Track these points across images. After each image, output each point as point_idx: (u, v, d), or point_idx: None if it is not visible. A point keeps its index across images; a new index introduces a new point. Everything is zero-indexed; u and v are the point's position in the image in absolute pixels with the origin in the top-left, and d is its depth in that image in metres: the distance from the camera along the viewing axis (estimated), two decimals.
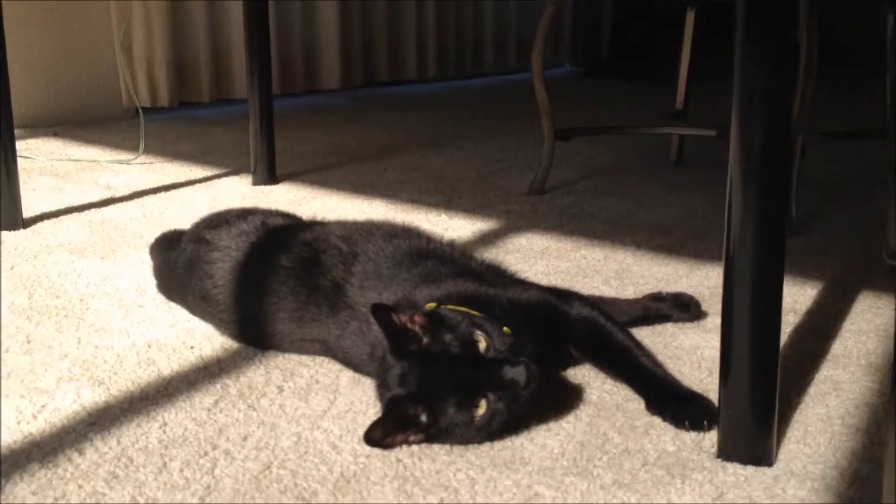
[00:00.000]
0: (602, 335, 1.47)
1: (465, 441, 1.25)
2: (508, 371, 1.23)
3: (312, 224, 1.80)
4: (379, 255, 1.54)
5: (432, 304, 1.36)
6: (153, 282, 1.89)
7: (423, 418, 1.24)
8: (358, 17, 5.34)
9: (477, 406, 1.23)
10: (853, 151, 3.42)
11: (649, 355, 1.45)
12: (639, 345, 1.47)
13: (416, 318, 1.30)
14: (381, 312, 1.27)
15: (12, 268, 1.99)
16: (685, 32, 3.24)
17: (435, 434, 1.25)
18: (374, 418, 1.33)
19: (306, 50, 5.07)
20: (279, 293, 1.53)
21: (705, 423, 1.30)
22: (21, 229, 2.30)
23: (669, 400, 1.35)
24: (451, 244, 1.70)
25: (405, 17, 5.69)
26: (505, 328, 1.31)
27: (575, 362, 1.51)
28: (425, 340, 1.28)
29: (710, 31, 3.24)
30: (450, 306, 1.35)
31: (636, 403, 1.38)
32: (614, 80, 6.36)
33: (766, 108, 1.18)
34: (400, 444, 1.24)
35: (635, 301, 1.73)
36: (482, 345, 1.27)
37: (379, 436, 1.22)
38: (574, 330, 1.48)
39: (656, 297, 1.73)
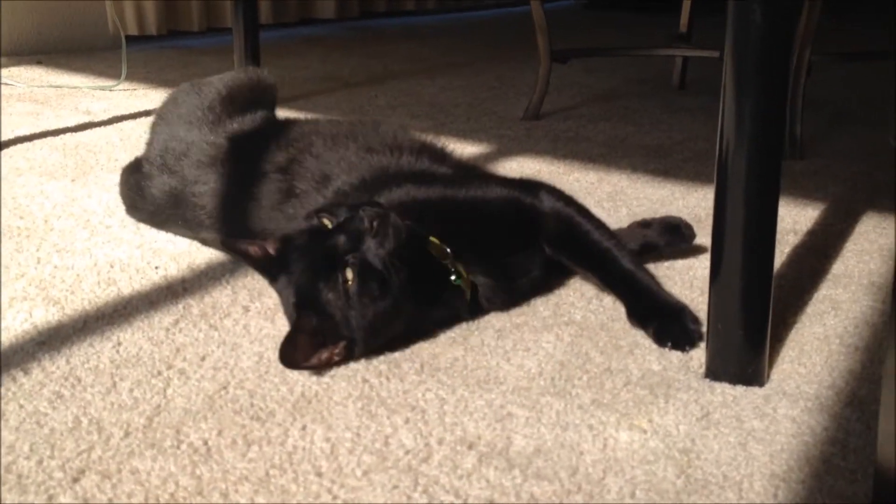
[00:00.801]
0: (578, 231, 1.35)
1: (383, 320, 1.18)
2: (355, 223, 1.17)
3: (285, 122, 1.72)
4: (338, 153, 1.45)
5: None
6: (122, 204, 1.81)
7: (315, 322, 1.16)
8: None
9: (346, 278, 1.15)
10: (860, 74, 3.30)
11: (632, 257, 1.35)
12: (621, 244, 1.36)
13: (269, 245, 1.25)
14: (227, 245, 1.29)
15: None
16: None
17: (340, 332, 1.17)
18: None
19: None
20: (239, 189, 1.48)
21: (687, 346, 1.22)
22: None
23: (653, 313, 1.26)
24: (431, 146, 1.59)
25: None
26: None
27: (557, 272, 1.42)
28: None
29: None
30: None
31: (622, 323, 1.30)
32: (618, 12, 6.19)
33: (763, 18, 1.07)
34: (327, 362, 1.16)
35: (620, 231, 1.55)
36: (326, 223, 1.21)
37: (298, 357, 1.13)
38: (547, 226, 1.36)
39: (643, 224, 1.55)
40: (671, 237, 1.52)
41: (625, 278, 1.31)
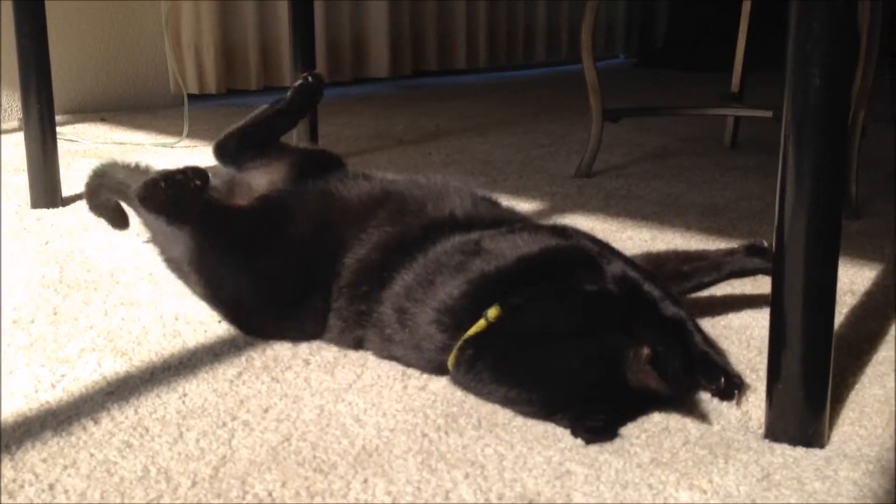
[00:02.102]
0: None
1: None
2: None
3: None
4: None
5: (495, 311, 1.23)
6: None
7: None
8: (408, 5, 5.28)
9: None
10: None
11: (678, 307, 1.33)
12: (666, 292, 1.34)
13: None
14: None
15: (46, 243, 1.97)
16: (742, 16, 3.13)
17: None
18: (400, 392, 1.28)
19: (355, 38, 5.03)
20: None
21: (736, 392, 1.23)
22: (59, 207, 2.28)
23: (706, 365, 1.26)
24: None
25: (455, 5, 5.61)
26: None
27: None
28: None
29: (767, 16, 3.13)
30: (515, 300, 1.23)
31: None
32: (669, 70, 6.22)
33: (822, 80, 1.09)
34: None
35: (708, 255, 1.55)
36: None
37: None
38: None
39: (728, 252, 1.53)
40: (759, 260, 1.50)
41: (670, 326, 1.29)
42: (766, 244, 1.50)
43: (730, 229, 2.14)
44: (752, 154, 3.12)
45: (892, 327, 1.51)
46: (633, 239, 2.07)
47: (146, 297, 1.64)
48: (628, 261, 1.36)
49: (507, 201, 2.37)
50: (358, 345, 1.41)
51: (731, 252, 1.52)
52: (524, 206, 2.35)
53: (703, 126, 3.58)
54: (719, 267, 1.50)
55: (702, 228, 2.15)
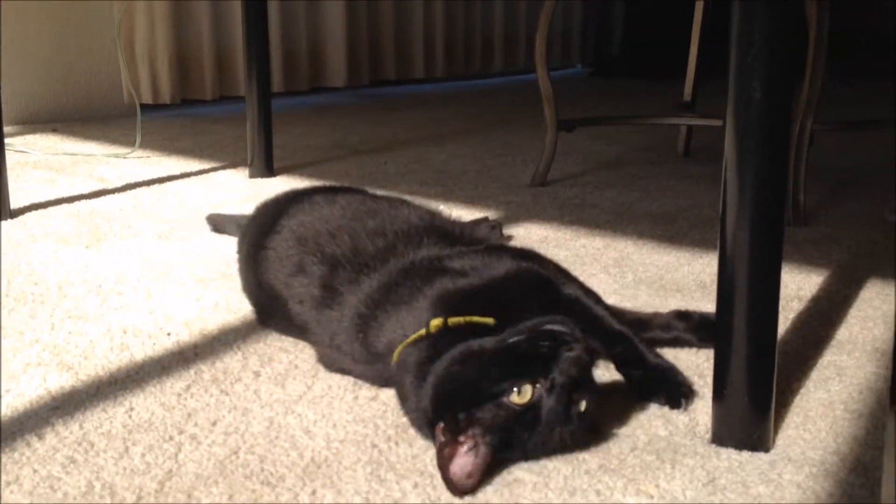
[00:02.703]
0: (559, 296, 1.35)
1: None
2: (567, 364, 1.09)
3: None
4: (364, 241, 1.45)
5: (438, 322, 1.22)
6: (135, 270, 1.85)
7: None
8: (365, 15, 5.28)
9: (577, 403, 1.09)
10: (863, 141, 3.34)
11: (620, 321, 1.36)
12: (603, 304, 1.40)
13: (446, 432, 1.07)
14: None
15: None
16: (693, 23, 3.17)
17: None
18: (350, 403, 1.27)
19: (312, 47, 5.02)
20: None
21: (682, 400, 1.25)
22: (7, 219, 2.25)
23: (648, 372, 1.29)
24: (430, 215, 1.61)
25: (413, 16, 5.62)
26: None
27: None
28: (474, 436, 1.07)
29: (719, 25, 3.17)
30: (456, 319, 1.21)
31: (628, 390, 1.31)
32: (624, 79, 6.29)
33: (763, 93, 1.11)
34: None
35: (655, 316, 1.51)
36: (526, 394, 1.07)
37: None
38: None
39: (680, 315, 1.49)
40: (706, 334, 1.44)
41: (618, 340, 1.32)
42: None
43: (681, 237, 2.17)
44: (704, 162, 3.16)
45: (837, 332, 1.54)
46: (586, 247, 2.08)
47: (94, 311, 1.62)
48: (580, 284, 1.42)
49: (462, 211, 2.39)
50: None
51: (685, 316, 1.49)
52: (479, 215, 2.36)
53: (657, 135, 3.61)
54: (667, 330, 1.48)
55: (654, 236, 2.17)
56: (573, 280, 1.43)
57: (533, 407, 1.07)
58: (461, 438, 1.05)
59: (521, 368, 1.08)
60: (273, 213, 1.63)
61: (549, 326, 1.12)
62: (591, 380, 1.12)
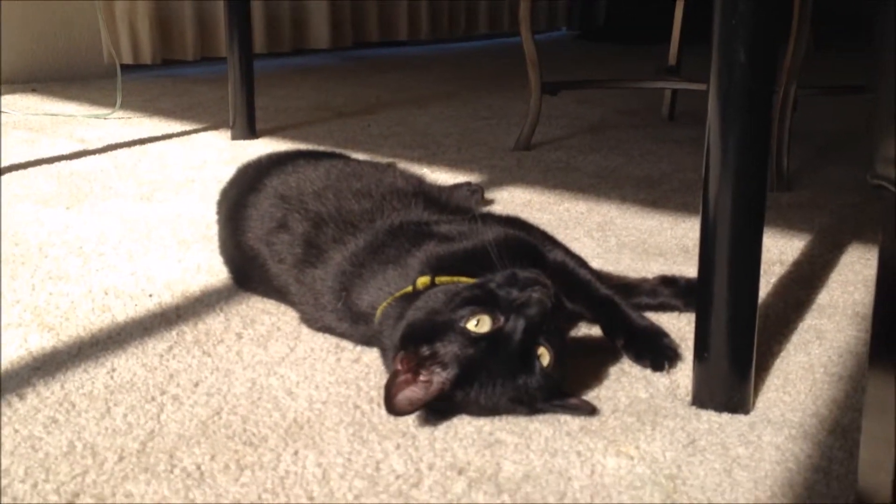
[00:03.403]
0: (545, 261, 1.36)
1: (562, 386, 1.15)
2: (527, 307, 1.10)
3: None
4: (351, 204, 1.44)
5: (425, 280, 1.23)
6: (116, 231, 1.83)
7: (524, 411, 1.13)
8: None
9: (539, 357, 1.09)
10: (847, 107, 3.34)
11: (608, 286, 1.39)
12: (592, 270, 1.41)
13: (406, 363, 1.09)
14: (395, 410, 1.08)
15: None
16: None
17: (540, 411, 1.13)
18: (333, 365, 1.27)
19: (295, 8, 4.97)
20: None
21: (666, 363, 1.26)
22: None
23: (629, 334, 1.30)
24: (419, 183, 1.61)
25: None
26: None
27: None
28: (438, 371, 1.09)
29: None
30: (444, 278, 1.22)
31: (610, 352, 1.31)
32: (610, 43, 6.26)
33: (747, 57, 1.10)
34: None
35: (642, 281, 1.51)
36: (484, 324, 1.10)
37: None
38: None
39: (666, 281, 1.49)
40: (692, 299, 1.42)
41: (604, 304, 1.33)
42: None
43: (664, 201, 2.17)
44: (688, 127, 3.15)
45: (819, 296, 1.55)
46: (570, 211, 2.08)
47: (75, 272, 1.61)
48: (566, 250, 1.43)
49: (446, 174, 2.39)
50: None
51: (671, 281, 1.49)
52: (463, 178, 2.35)
53: (641, 99, 3.61)
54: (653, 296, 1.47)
55: (637, 201, 2.18)
56: (559, 246, 1.44)
57: (492, 341, 1.09)
58: (422, 374, 1.08)
59: (482, 302, 1.11)
60: (255, 175, 1.62)
61: (520, 274, 1.14)
62: (556, 330, 1.13)
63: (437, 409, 1.12)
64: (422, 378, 1.09)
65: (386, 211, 1.42)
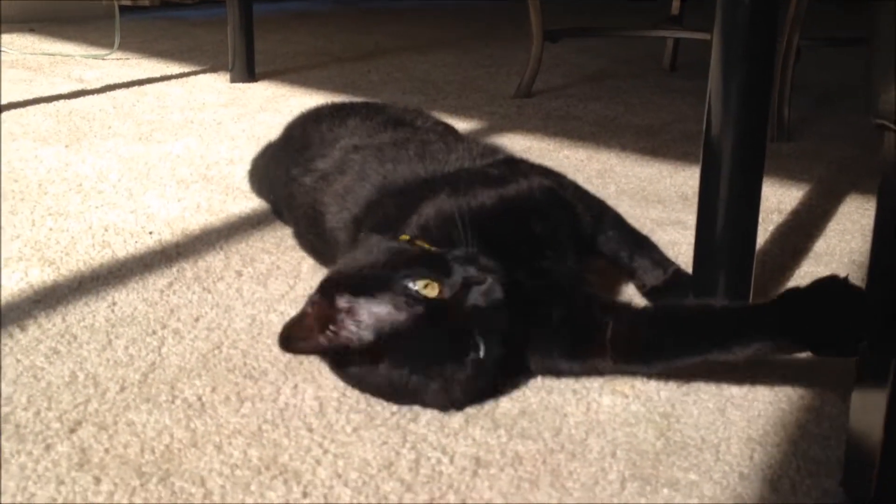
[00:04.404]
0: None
1: (487, 387, 1.03)
2: (477, 294, 0.98)
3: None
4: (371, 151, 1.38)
5: (406, 237, 1.12)
6: (115, 169, 1.83)
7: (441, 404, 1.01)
8: None
9: (474, 349, 0.98)
10: (850, 58, 3.32)
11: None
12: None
13: (315, 308, 0.99)
14: (289, 343, 0.98)
15: None
16: None
17: (459, 407, 1.01)
18: None
19: None
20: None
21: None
22: None
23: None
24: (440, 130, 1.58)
25: None
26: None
27: None
28: (351, 328, 0.97)
29: None
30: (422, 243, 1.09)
31: (608, 292, 1.32)
32: None
33: (752, 1, 1.10)
34: None
35: None
36: (432, 289, 0.98)
37: None
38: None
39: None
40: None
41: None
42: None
43: (664, 150, 2.17)
44: (690, 77, 3.14)
45: (815, 244, 1.55)
46: (569, 158, 2.08)
47: (75, 208, 1.61)
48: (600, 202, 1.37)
49: (445, 120, 2.37)
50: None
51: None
52: (463, 125, 2.35)
53: (643, 49, 3.58)
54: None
55: (637, 149, 2.17)
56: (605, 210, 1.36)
57: (428, 313, 0.97)
58: (329, 328, 0.98)
59: (436, 269, 1.00)
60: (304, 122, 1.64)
61: (482, 260, 1.02)
62: (500, 332, 1.00)
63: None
64: (329, 331, 0.98)
65: (424, 157, 1.35)
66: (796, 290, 0.97)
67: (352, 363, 1.01)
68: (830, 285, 0.95)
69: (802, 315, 0.95)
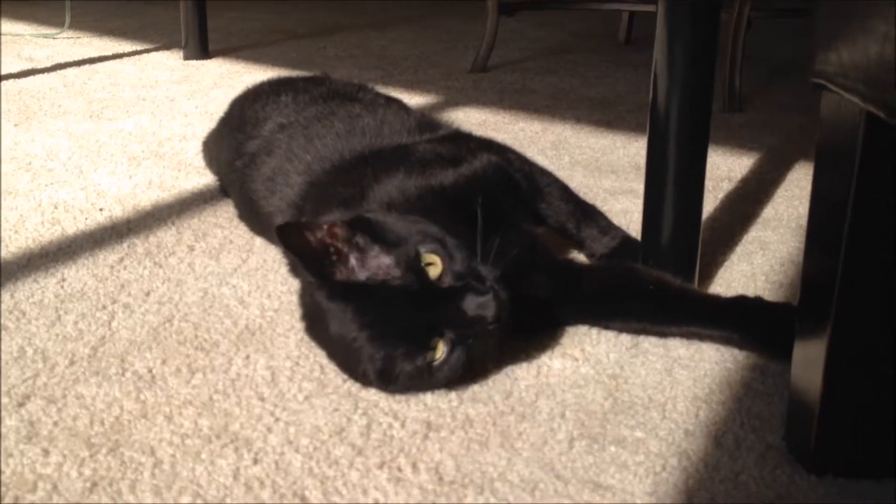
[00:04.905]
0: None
1: (428, 388, 0.99)
2: (471, 304, 0.95)
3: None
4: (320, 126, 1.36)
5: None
6: (65, 148, 1.81)
7: (372, 375, 0.97)
8: None
9: (432, 349, 0.95)
10: (802, 30, 3.35)
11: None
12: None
13: (337, 229, 0.98)
14: (289, 235, 0.97)
15: None
16: None
17: (393, 390, 0.99)
18: (285, 275, 1.28)
19: None
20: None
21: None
22: None
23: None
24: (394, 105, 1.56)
25: None
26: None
27: None
28: (352, 263, 0.98)
29: None
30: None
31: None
32: None
33: None
34: None
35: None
36: (435, 269, 0.98)
37: None
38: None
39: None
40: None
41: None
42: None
43: (618, 121, 2.18)
44: (645, 50, 3.13)
45: (764, 210, 1.58)
46: (524, 130, 2.09)
47: (24, 187, 1.59)
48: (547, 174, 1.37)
49: (401, 95, 2.37)
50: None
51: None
52: (419, 99, 2.35)
53: (599, 23, 3.59)
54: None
55: (591, 121, 2.19)
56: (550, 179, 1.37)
57: (409, 290, 0.96)
58: (342, 249, 0.98)
59: (440, 245, 0.99)
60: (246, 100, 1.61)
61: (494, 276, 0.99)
62: (470, 349, 0.97)
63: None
64: (333, 247, 0.98)
65: (364, 132, 1.35)
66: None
67: (323, 290, 0.98)
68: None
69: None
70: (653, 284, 1.14)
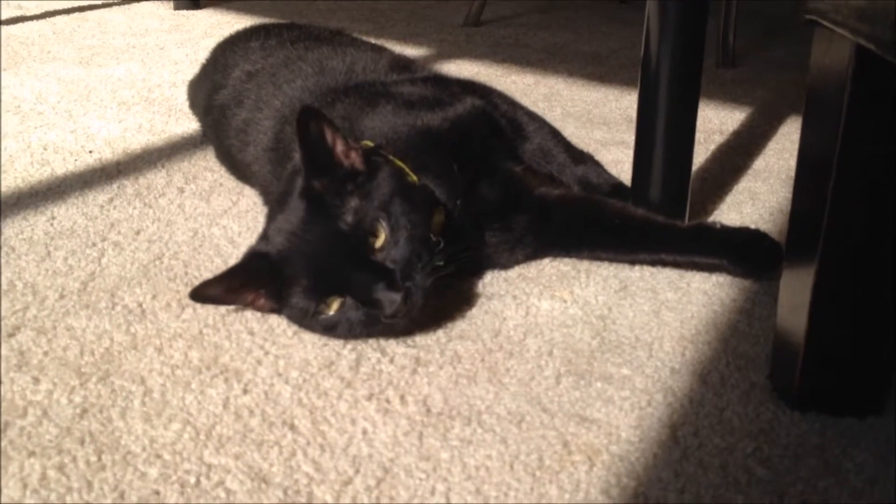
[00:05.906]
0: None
1: (305, 328, 1.00)
2: (380, 290, 0.95)
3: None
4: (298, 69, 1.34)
5: (369, 143, 1.11)
6: (55, 92, 1.80)
7: (272, 288, 1.00)
8: None
9: (326, 304, 0.97)
10: None
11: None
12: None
13: (354, 153, 1.02)
14: (309, 122, 0.97)
15: None
16: None
17: (280, 308, 1.01)
18: None
19: None
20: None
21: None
22: None
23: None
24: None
25: None
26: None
27: None
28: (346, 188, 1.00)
29: None
30: (389, 155, 1.08)
31: None
32: None
33: None
34: (244, 302, 1.01)
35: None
36: (378, 241, 0.98)
37: (216, 293, 0.98)
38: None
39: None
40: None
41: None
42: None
43: (610, 76, 2.17)
44: (640, 8, 3.13)
45: (755, 162, 1.58)
46: (516, 83, 2.08)
47: (13, 129, 1.59)
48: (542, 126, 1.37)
49: (393, 47, 2.35)
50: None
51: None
52: (412, 51, 2.33)
53: None
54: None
55: (584, 75, 2.18)
56: (535, 120, 1.38)
57: (355, 238, 0.97)
58: (349, 146, 1.02)
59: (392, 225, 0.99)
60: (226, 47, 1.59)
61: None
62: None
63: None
64: (339, 164, 1.01)
65: (334, 72, 1.34)
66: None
67: (303, 183, 0.99)
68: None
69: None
70: (618, 216, 1.18)
